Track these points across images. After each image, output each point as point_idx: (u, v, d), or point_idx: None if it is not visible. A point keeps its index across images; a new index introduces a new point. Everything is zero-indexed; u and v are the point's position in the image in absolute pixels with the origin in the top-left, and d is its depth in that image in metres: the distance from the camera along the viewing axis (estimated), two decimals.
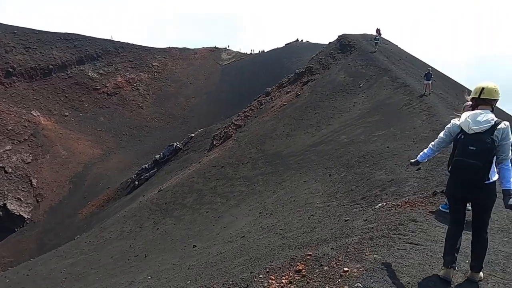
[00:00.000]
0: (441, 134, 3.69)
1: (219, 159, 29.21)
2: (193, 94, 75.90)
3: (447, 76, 38.43)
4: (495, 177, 3.34)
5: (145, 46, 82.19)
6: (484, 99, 3.41)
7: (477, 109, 3.42)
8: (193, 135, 46.74)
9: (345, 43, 38.44)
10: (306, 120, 28.32)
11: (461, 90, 10.08)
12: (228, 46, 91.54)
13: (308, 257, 4.13)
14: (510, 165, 3.25)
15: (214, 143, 36.30)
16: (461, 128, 3.40)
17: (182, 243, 12.56)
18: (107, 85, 71.02)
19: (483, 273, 3.54)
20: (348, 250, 4.03)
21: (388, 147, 14.82)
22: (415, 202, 6.09)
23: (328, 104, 28.35)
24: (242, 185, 21.48)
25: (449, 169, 3.49)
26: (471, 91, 3.55)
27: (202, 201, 22.06)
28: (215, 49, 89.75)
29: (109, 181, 51.87)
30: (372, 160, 14.24)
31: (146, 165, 44.47)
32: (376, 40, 35.16)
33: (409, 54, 40.76)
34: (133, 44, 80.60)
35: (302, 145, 23.74)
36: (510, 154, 3.26)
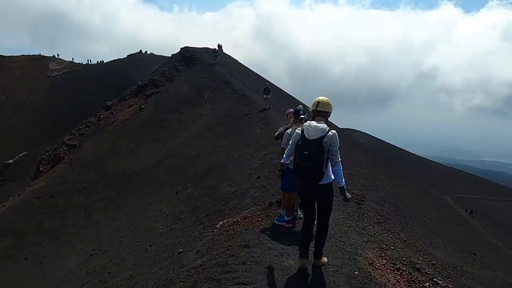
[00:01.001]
0: (290, 142, 4.09)
1: (47, 188, 24.10)
2: (12, 111, 62.12)
3: (281, 89, 43.29)
4: (330, 179, 3.79)
5: None
6: (320, 111, 3.85)
7: (315, 120, 3.84)
8: (11, 161, 37.74)
9: (187, 56, 38.41)
10: (152, 134, 26.53)
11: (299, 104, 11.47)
12: (58, 54, 79.29)
13: None
14: (341, 167, 3.75)
15: (41, 168, 30.00)
16: (301, 134, 3.79)
17: None
18: None
19: (325, 257, 3.89)
20: None
21: (232, 156, 14.87)
22: (253, 216, 5.75)
23: (174, 116, 27.36)
24: (76, 217, 18.04)
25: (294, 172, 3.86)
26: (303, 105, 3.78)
27: (21, 244, 17.40)
28: (40, 58, 76.33)
29: None
30: (217, 171, 13.97)
31: None
32: (215, 53, 36.40)
33: (247, 68, 43.99)
34: None
35: (149, 162, 21.93)
36: (339, 158, 3.73)
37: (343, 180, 3.75)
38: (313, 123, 3.76)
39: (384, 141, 71.28)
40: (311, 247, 3.86)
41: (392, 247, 4.61)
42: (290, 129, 5.19)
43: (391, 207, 8.47)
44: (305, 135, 3.73)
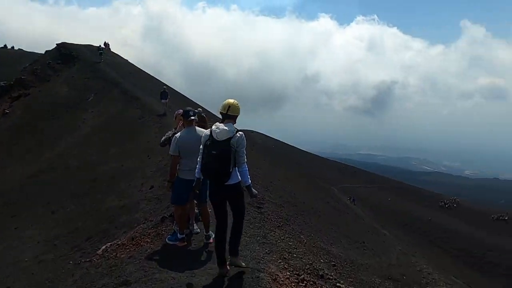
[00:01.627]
0: (201, 146, 3.92)
1: None
2: None
3: (177, 91, 41.54)
4: (237, 179, 3.80)
5: None
6: (229, 115, 3.87)
7: (224, 122, 3.83)
8: None
9: (66, 53, 33.68)
10: (22, 144, 22.35)
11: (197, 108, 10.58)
12: None
13: None
14: (247, 168, 3.81)
15: None
16: (210, 135, 3.78)
17: None
18: None
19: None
20: None
21: (123, 165, 13.31)
22: (142, 237, 4.91)
23: (52, 122, 23.59)
24: None
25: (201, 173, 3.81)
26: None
27: None
28: None
29: None
30: (105, 184, 12.25)
31: None
32: (100, 51, 32.91)
33: (138, 68, 40.97)
34: None
35: (17, 178, 18.27)
36: (245, 159, 3.78)
37: (249, 179, 3.83)
38: (221, 125, 3.81)
39: (278, 140, 75.66)
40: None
41: (294, 255, 4.40)
42: (179, 133, 4.57)
43: (289, 206, 8.53)
44: (214, 136, 3.77)
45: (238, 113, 3.97)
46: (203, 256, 4.10)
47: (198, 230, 4.78)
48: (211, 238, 4.40)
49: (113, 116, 22.19)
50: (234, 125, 3.89)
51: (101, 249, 5.51)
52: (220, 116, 3.95)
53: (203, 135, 3.99)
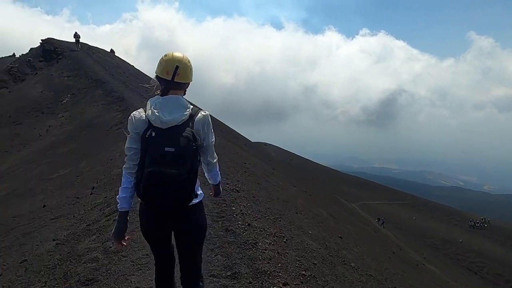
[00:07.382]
0: (128, 144, 2.03)
1: None
2: None
3: None
4: (202, 195, 2.15)
5: None
6: (178, 83, 2.05)
7: (168, 94, 2.05)
8: None
9: (50, 49, 28.78)
10: None
11: None
12: None
13: None
14: (218, 168, 2.30)
15: None
16: (149, 122, 1.96)
17: None
18: None
19: None
20: None
21: (45, 206, 7.52)
22: None
23: (8, 131, 18.18)
24: None
25: (140, 192, 1.95)
26: None
27: None
28: None
29: None
30: None
31: None
32: (76, 38, 29.15)
33: (139, 71, 35.65)
34: None
35: None
36: (216, 155, 2.21)
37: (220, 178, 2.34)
38: (166, 97, 1.98)
39: (293, 153, 69.46)
40: None
41: None
42: None
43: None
44: (155, 122, 1.91)
45: (191, 79, 2.10)
46: None
47: None
48: None
49: (86, 121, 16.71)
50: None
51: None
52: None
53: (132, 120, 1.99)
